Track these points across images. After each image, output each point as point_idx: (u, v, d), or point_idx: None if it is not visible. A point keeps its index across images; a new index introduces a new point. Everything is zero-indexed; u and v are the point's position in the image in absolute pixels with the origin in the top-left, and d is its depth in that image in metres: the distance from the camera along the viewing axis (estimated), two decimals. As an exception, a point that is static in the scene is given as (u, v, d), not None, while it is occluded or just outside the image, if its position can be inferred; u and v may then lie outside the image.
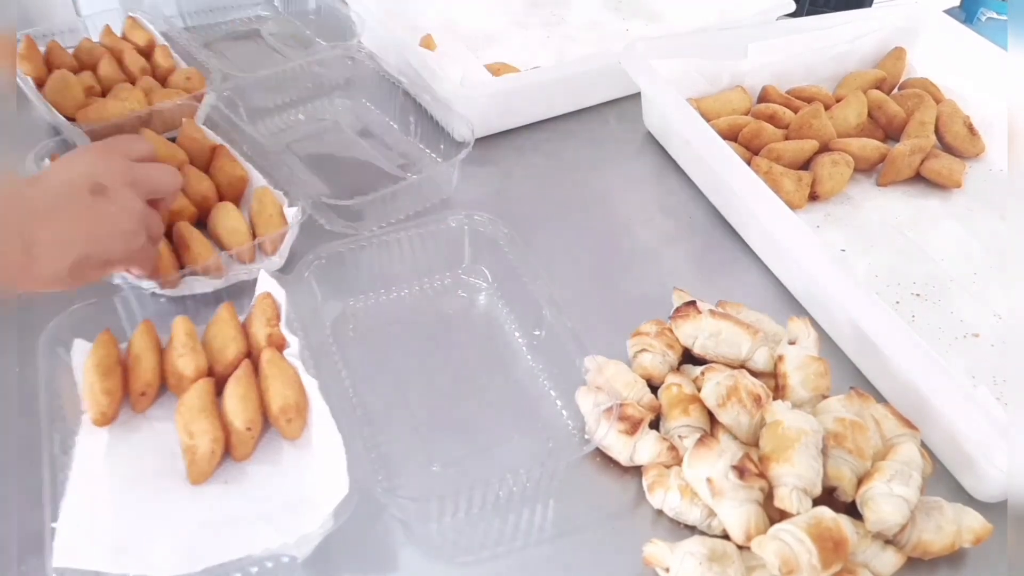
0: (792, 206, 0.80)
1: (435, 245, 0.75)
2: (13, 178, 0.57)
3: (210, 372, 0.62)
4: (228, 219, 0.74)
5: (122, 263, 0.61)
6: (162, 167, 0.66)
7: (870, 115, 0.95)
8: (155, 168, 0.65)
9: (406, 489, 0.58)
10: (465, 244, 0.75)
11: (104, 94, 0.90)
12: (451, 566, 0.56)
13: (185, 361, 0.61)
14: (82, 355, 0.62)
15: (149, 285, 0.68)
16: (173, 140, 0.82)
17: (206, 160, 0.81)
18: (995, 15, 1.37)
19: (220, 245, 0.73)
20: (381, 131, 0.94)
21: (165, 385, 0.63)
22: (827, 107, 0.94)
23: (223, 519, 0.55)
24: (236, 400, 0.59)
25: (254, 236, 0.74)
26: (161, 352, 0.63)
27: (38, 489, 0.53)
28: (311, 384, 0.60)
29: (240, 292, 0.70)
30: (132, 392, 0.61)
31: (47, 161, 0.78)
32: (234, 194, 0.78)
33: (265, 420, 0.60)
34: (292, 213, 0.73)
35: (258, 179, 0.79)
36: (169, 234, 0.72)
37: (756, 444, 0.58)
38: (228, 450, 0.59)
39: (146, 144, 0.66)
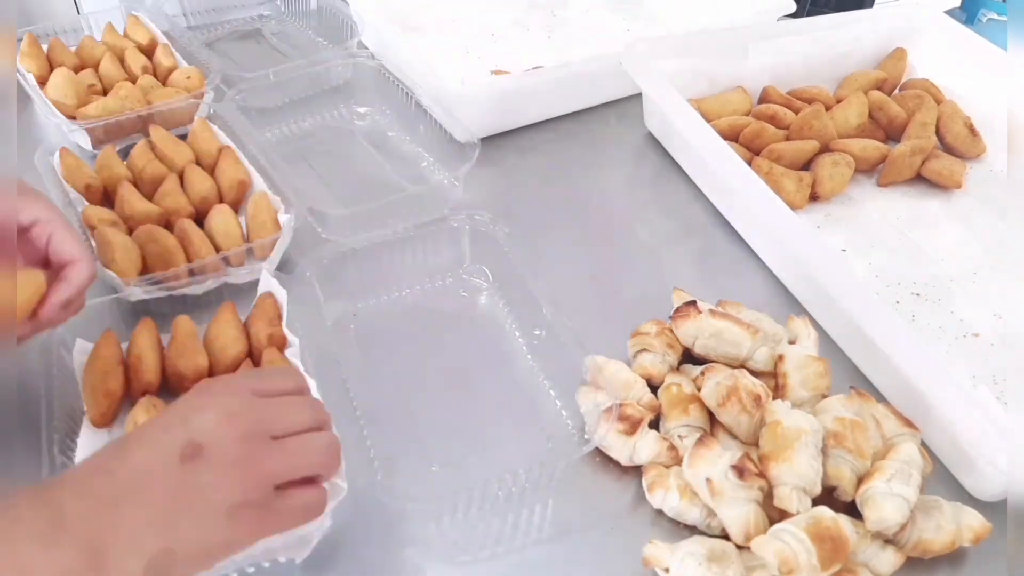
0: (793, 206, 0.80)
1: (436, 245, 0.75)
2: (100, 458, 0.43)
3: (211, 372, 0.63)
4: (223, 222, 0.74)
5: (235, 550, 0.44)
6: (302, 402, 0.49)
7: (871, 116, 0.95)
8: (291, 405, 0.48)
9: (405, 489, 0.58)
10: (466, 244, 0.75)
11: (105, 92, 0.91)
12: (450, 566, 0.56)
13: (186, 361, 0.61)
14: (83, 356, 0.62)
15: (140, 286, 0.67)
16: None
17: (213, 160, 0.81)
18: (996, 16, 1.37)
19: (214, 247, 0.73)
20: (391, 138, 0.94)
21: (166, 385, 0.63)
22: (828, 108, 0.94)
23: None
24: (236, 399, 0.59)
25: (249, 240, 0.74)
26: (162, 352, 0.63)
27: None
28: (311, 385, 0.60)
29: (242, 292, 0.71)
30: (133, 393, 0.61)
31: (56, 156, 0.78)
32: (234, 197, 0.78)
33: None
34: (286, 220, 0.73)
35: (259, 183, 0.79)
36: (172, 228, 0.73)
37: (756, 444, 0.58)
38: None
39: (287, 377, 0.51)
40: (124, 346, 0.64)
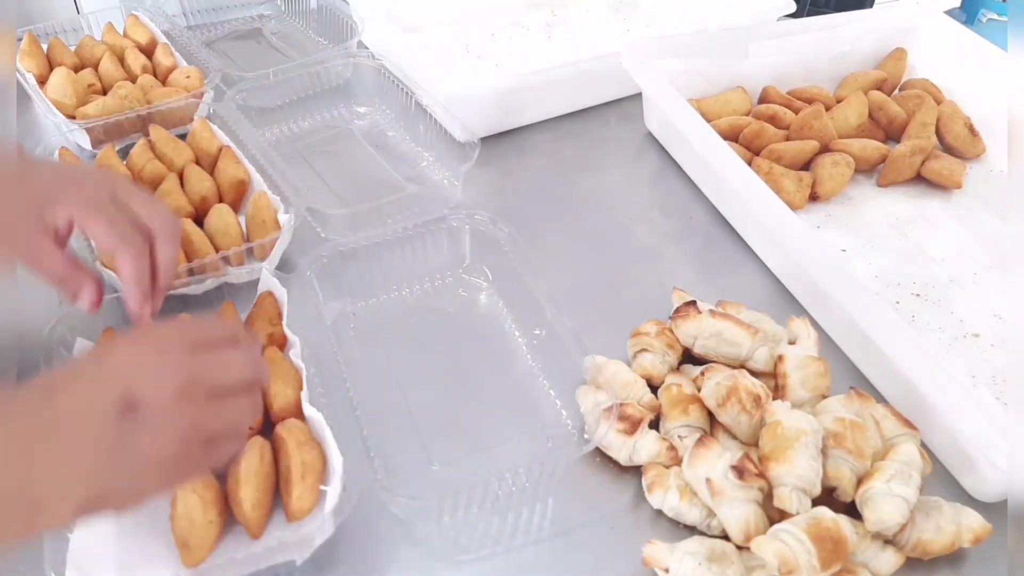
0: (792, 206, 0.80)
1: (436, 245, 0.75)
2: (27, 401, 0.42)
3: (210, 371, 0.62)
4: (222, 221, 0.74)
5: (165, 494, 0.50)
6: (239, 355, 0.48)
7: (871, 116, 0.95)
8: (228, 359, 0.47)
9: (405, 489, 0.58)
10: (466, 244, 0.75)
11: (105, 92, 0.91)
12: (450, 565, 0.56)
13: (185, 360, 0.61)
14: (84, 355, 0.62)
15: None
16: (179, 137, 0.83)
17: (212, 160, 0.81)
18: (996, 16, 1.37)
19: (213, 246, 0.73)
20: (391, 138, 0.94)
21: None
22: (828, 108, 0.94)
23: None
24: (237, 399, 0.59)
25: (249, 240, 0.74)
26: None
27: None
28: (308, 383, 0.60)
29: (242, 292, 0.71)
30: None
31: (56, 156, 0.78)
32: (234, 196, 0.78)
33: (266, 419, 0.60)
34: (286, 219, 0.73)
35: (259, 183, 0.79)
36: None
37: (756, 444, 0.58)
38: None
39: (225, 327, 0.50)
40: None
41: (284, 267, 0.74)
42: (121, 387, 0.42)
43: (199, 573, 0.50)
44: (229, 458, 0.49)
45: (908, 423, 0.60)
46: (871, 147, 0.90)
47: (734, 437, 0.61)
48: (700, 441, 0.56)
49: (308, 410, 0.58)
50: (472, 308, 0.74)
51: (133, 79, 0.92)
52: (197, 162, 0.81)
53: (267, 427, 0.59)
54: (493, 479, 0.55)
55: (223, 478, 0.55)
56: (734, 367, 0.64)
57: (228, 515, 0.54)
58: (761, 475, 0.55)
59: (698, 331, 0.65)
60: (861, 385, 0.67)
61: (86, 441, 0.41)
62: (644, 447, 0.59)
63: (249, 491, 0.53)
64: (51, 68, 0.91)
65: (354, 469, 0.54)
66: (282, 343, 0.63)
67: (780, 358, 0.63)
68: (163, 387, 0.43)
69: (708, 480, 0.54)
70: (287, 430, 0.56)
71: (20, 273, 0.70)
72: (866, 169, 0.91)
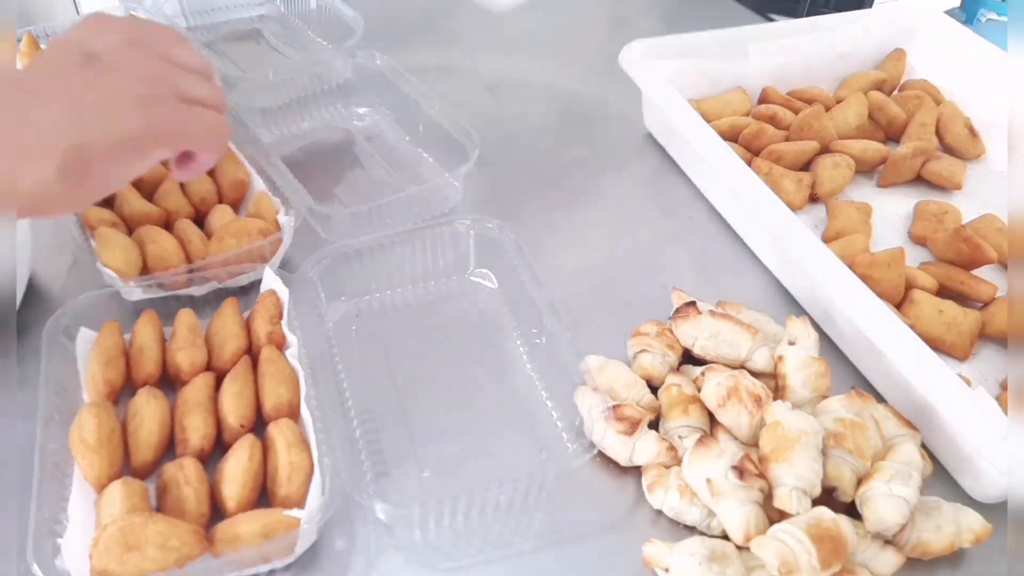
0: (792, 207, 0.80)
1: (441, 249, 0.74)
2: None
3: (209, 367, 0.63)
4: (222, 222, 0.74)
5: (150, 145, 0.45)
6: (206, 79, 0.49)
7: (871, 117, 0.95)
8: (196, 76, 0.48)
9: (394, 494, 0.58)
10: (471, 248, 0.75)
11: (105, 93, 0.90)
12: (435, 572, 0.55)
13: (184, 355, 0.61)
14: (86, 344, 0.62)
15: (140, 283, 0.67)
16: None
17: (212, 161, 0.81)
18: (995, 16, 1.37)
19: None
20: (391, 138, 0.94)
21: (166, 377, 0.63)
22: (827, 108, 0.94)
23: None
24: (231, 396, 0.59)
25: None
26: (164, 344, 0.64)
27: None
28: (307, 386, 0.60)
29: (243, 292, 0.71)
30: (134, 383, 0.61)
31: None
32: (234, 197, 0.78)
33: (259, 419, 0.60)
34: (286, 220, 0.73)
35: (259, 183, 0.79)
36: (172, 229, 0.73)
37: (756, 444, 0.58)
38: (221, 446, 0.59)
39: (202, 59, 0.50)
40: (127, 337, 0.64)
41: (285, 268, 0.73)
42: (81, 46, 0.44)
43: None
44: (206, 128, 0.48)
45: (908, 423, 0.60)
46: (872, 148, 0.90)
47: (734, 437, 0.61)
48: (700, 441, 0.56)
49: (303, 411, 0.58)
50: (476, 314, 0.73)
51: (133, 79, 0.92)
52: (197, 162, 0.81)
53: (260, 427, 0.59)
54: (483, 487, 0.55)
55: (213, 475, 0.55)
56: (734, 367, 0.64)
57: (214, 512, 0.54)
58: (761, 475, 0.55)
59: (698, 332, 0.65)
60: (861, 385, 0.67)
61: (55, 91, 0.42)
62: (643, 447, 0.59)
63: (235, 489, 0.53)
64: (51, 68, 0.91)
65: (341, 473, 0.54)
66: (280, 342, 0.63)
67: (780, 358, 0.63)
68: (114, 39, 0.45)
69: (708, 480, 0.54)
70: (279, 430, 0.56)
71: (24, 263, 0.70)
72: (866, 170, 0.91)
